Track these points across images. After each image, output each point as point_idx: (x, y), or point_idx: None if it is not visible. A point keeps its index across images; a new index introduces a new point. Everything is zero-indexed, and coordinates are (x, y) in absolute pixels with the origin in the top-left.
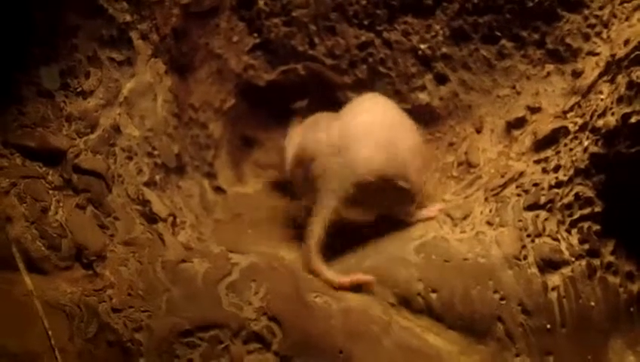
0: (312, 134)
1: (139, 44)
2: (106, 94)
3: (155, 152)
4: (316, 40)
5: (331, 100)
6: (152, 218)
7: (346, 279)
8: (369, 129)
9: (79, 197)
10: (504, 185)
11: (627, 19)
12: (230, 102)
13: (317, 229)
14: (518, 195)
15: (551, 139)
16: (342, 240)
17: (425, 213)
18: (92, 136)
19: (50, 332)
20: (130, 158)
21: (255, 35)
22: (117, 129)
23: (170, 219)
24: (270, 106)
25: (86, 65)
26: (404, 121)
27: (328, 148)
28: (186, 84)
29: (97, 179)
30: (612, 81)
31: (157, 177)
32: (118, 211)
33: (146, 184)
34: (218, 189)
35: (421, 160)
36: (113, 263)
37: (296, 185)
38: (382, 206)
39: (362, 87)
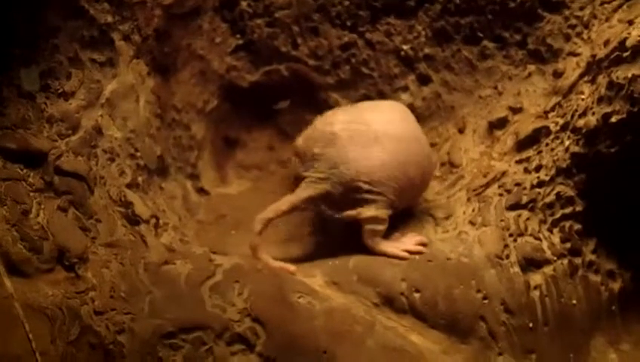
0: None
1: (120, 45)
2: (87, 95)
3: (138, 154)
4: (299, 41)
5: (314, 101)
6: (134, 220)
7: (275, 264)
8: (383, 136)
9: (61, 200)
10: (486, 185)
11: (607, 19)
12: (213, 103)
13: (279, 206)
14: (500, 195)
15: (532, 139)
16: (326, 237)
17: (389, 247)
18: (73, 138)
19: (31, 336)
20: (112, 160)
21: (238, 36)
22: (99, 130)
23: (153, 220)
24: (253, 107)
25: (67, 66)
26: (420, 140)
27: (336, 139)
28: (169, 85)
29: (79, 180)
30: (593, 81)
31: (139, 179)
32: (100, 213)
33: (129, 186)
34: (201, 190)
35: (422, 187)
36: (95, 265)
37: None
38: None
39: (345, 87)
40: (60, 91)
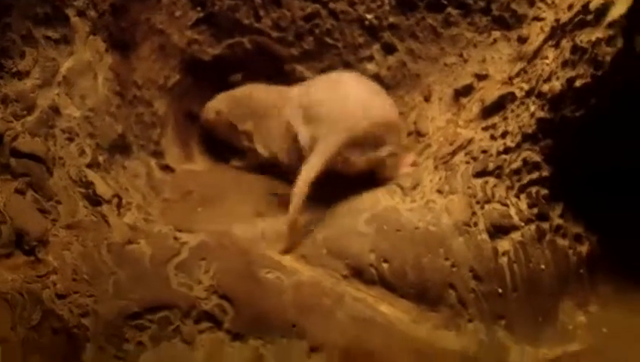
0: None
1: (76, 21)
2: (42, 74)
3: (98, 133)
4: (261, 12)
5: (279, 73)
6: (95, 200)
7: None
8: (359, 92)
9: (18, 182)
10: (453, 153)
11: None
12: (175, 78)
13: (309, 173)
14: (467, 163)
15: (498, 106)
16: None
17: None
18: (30, 118)
19: None
20: (71, 140)
21: (198, 8)
22: (56, 110)
23: (115, 200)
24: (217, 81)
25: (20, 44)
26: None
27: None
28: (128, 61)
29: (37, 162)
30: (557, 45)
31: (100, 158)
32: (60, 194)
33: (89, 165)
34: (166, 168)
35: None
36: (56, 248)
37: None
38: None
39: (310, 58)
40: (13, 70)
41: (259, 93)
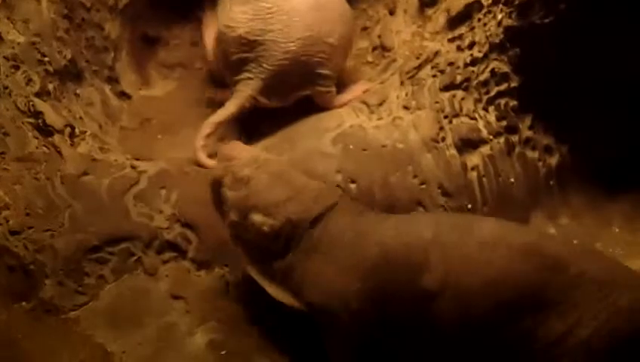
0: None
1: None
2: None
3: (46, 59)
4: None
5: None
6: (46, 130)
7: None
8: (296, 11)
9: None
10: (419, 67)
11: None
12: None
13: (224, 111)
14: (434, 76)
15: (464, 15)
16: (258, 125)
17: (347, 96)
18: None
19: None
20: (16, 68)
21: None
22: None
23: (68, 130)
24: (172, 1)
25: None
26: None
27: (244, 23)
28: None
29: None
30: None
31: (50, 86)
32: (8, 126)
33: (38, 94)
34: (122, 94)
35: (346, 42)
36: (7, 182)
37: (218, 72)
38: (299, 91)
39: None
40: None
41: None
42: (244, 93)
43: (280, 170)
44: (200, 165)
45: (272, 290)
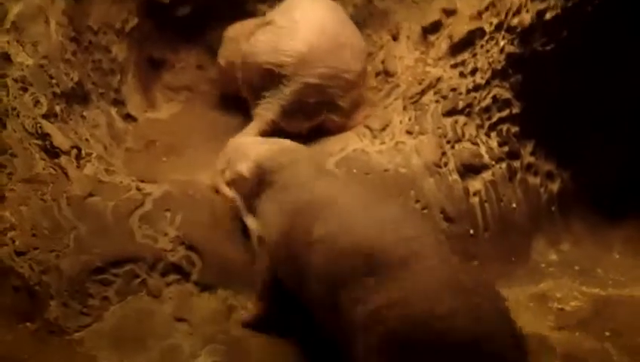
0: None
1: None
2: None
3: (53, 81)
4: None
5: (241, 13)
6: (53, 152)
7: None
8: (317, 44)
9: None
10: (422, 93)
11: None
12: (133, 22)
13: (245, 134)
14: (437, 101)
15: (467, 42)
16: None
17: (353, 122)
18: None
19: None
20: (24, 90)
21: None
22: (7, 58)
23: (74, 151)
24: (177, 24)
25: None
26: (352, 33)
27: (267, 54)
28: (82, 5)
29: None
30: None
31: (57, 108)
32: (15, 147)
33: (45, 116)
34: (128, 116)
35: (362, 77)
36: (13, 203)
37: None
38: (315, 119)
39: None
40: None
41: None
42: (264, 117)
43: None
44: (217, 191)
45: (248, 220)
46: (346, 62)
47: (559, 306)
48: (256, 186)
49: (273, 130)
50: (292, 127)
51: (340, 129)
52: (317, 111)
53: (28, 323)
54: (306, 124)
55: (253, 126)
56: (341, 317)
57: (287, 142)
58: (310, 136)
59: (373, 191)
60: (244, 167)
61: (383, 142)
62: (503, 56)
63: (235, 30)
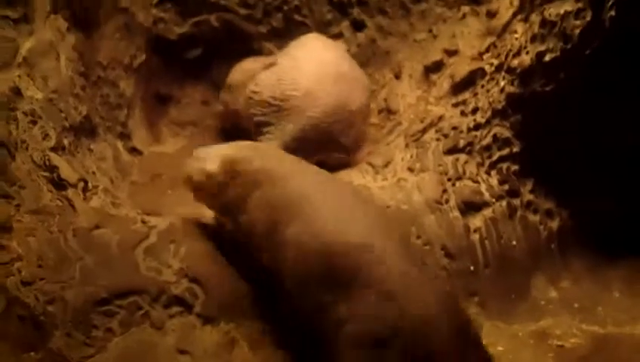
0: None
1: None
2: (1, 55)
3: (62, 115)
4: None
5: (247, 51)
6: (60, 184)
7: None
8: (320, 80)
9: None
10: (424, 131)
11: None
12: (141, 58)
13: None
14: (438, 140)
15: (468, 82)
16: None
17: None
18: None
19: None
20: (34, 123)
21: None
22: (17, 92)
23: (81, 184)
24: (184, 61)
25: None
26: (355, 71)
27: (271, 89)
28: (92, 41)
29: None
30: (526, 19)
31: (65, 141)
32: (24, 179)
33: (53, 149)
34: (133, 150)
35: (364, 114)
36: (20, 234)
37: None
38: (316, 155)
39: (278, 36)
40: None
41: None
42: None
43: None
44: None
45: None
46: (349, 97)
47: (559, 343)
48: (227, 181)
49: None
50: None
51: (343, 166)
52: (319, 149)
53: (32, 353)
54: (309, 161)
55: None
56: (312, 317)
57: (248, 142)
58: None
59: (347, 191)
60: (212, 166)
61: (384, 179)
62: (503, 96)
63: (237, 77)
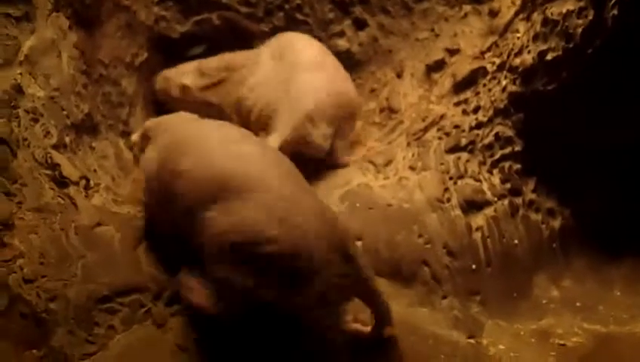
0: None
1: None
2: (3, 53)
3: (64, 113)
4: None
5: (249, 49)
6: (62, 182)
7: None
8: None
9: None
10: (425, 129)
11: None
12: (143, 56)
13: None
14: (440, 138)
15: (470, 81)
16: None
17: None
18: None
19: None
20: (35, 120)
21: None
22: (19, 90)
23: (83, 181)
24: (186, 59)
25: None
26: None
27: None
28: (93, 39)
29: (0, 144)
30: (528, 18)
31: (67, 139)
32: (25, 177)
33: (55, 146)
34: None
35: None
36: (22, 231)
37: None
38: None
39: None
40: None
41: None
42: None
43: None
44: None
45: None
46: (344, 87)
47: (561, 342)
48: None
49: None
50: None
51: (336, 159)
52: None
53: (34, 351)
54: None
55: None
56: (195, 238)
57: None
58: (314, 171)
59: (242, 131)
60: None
61: (386, 178)
62: (505, 95)
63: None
